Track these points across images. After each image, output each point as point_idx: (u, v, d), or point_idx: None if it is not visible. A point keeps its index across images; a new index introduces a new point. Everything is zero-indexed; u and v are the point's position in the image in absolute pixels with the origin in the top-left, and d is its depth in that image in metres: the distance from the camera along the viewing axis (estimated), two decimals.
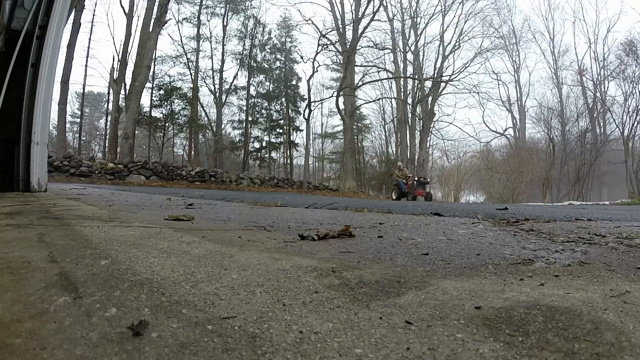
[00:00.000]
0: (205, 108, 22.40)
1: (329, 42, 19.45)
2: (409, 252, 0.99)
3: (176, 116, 18.31)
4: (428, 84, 22.07)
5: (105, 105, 24.90)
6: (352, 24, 19.68)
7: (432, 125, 22.23)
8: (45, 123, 3.44)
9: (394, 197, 12.70)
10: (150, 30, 14.35)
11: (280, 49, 24.08)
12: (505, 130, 28.59)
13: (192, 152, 21.55)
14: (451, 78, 22.69)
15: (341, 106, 18.43)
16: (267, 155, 23.37)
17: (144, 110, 17.79)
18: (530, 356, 0.42)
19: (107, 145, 18.78)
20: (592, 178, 19.62)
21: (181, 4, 21.65)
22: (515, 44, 26.95)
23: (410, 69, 23.49)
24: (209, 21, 22.97)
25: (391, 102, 23.79)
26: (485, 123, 37.76)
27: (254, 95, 22.80)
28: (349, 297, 0.61)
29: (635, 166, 18.85)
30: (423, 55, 23.73)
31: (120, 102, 16.91)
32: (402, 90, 22.70)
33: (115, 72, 18.24)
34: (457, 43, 23.44)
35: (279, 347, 0.44)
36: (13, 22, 3.24)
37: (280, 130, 23.58)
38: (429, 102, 21.94)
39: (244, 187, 13.23)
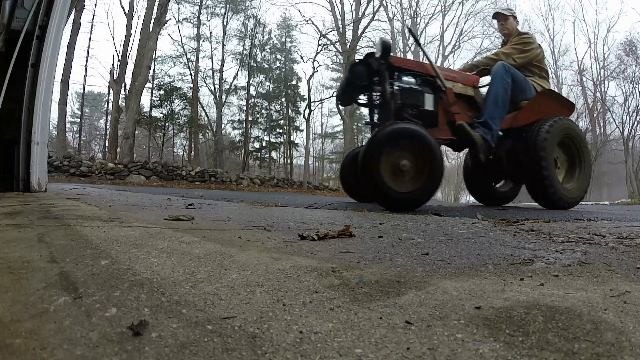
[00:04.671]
0: (205, 108, 22.41)
1: (329, 42, 19.49)
2: (409, 252, 0.99)
3: (176, 116, 18.32)
4: None
5: (105, 105, 24.94)
6: (352, 24, 19.69)
7: None
8: (45, 123, 3.43)
9: None
10: (150, 30, 14.35)
11: (280, 49, 24.09)
12: None
13: (192, 152, 21.56)
14: None
15: (341, 106, 18.37)
16: (267, 155, 23.36)
17: (144, 110, 17.80)
18: (530, 356, 0.42)
19: (107, 145, 18.79)
20: (592, 178, 19.61)
21: (181, 4, 21.66)
22: None
23: None
24: (209, 21, 23.03)
25: None
26: None
27: (254, 95, 22.81)
28: (349, 297, 0.61)
29: (635, 166, 18.85)
30: (423, 55, 23.72)
31: (120, 102, 16.92)
32: None
33: (115, 72, 18.26)
34: (457, 43, 23.46)
35: (279, 347, 0.44)
36: (13, 22, 3.24)
37: (280, 130, 23.57)
38: None
39: (244, 187, 13.23)
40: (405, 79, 2.86)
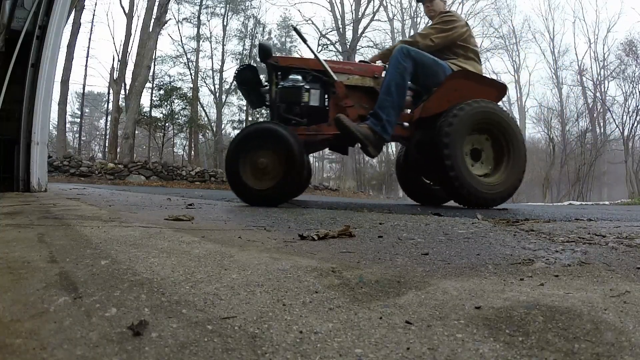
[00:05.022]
0: (205, 108, 22.40)
1: (329, 42, 19.51)
2: (409, 252, 0.99)
3: (176, 116, 18.29)
4: None
5: (105, 105, 24.97)
6: (352, 24, 19.70)
7: None
8: (45, 123, 3.44)
9: None
10: (150, 30, 14.35)
11: (280, 49, 24.09)
12: None
13: (192, 152, 21.55)
14: None
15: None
16: None
17: (144, 110, 17.78)
18: (530, 356, 0.42)
19: (107, 145, 18.81)
20: (592, 178, 19.61)
21: (181, 4, 21.67)
22: (515, 44, 27.04)
23: None
24: (209, 21, 23.04)
25: None
26: None
27: None
28: (349, 297, 0.61)
29: (635, 166, 18.85)
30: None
31: (120, 102, 16.92)
32: None
33: (115, 72, 18.27)
34: None
35: (279, 347, 0.44)
36: (13, 22, 3.25)
37: None
38: None
39: None
40: (293, 77, 2.81)
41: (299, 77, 2.81)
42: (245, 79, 2.99)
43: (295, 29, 3.23)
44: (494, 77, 24.50)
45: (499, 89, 2.97)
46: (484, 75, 3.00)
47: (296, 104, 2.75)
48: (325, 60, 2.84)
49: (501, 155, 2.80)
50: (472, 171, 2.67)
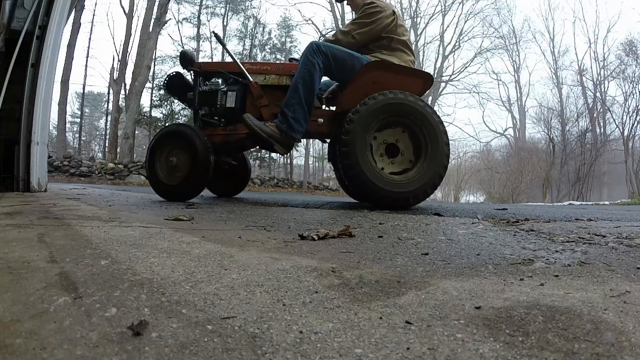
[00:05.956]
0: None
1: None
2: (409, 252, 0.99)
3: (176, 116, 18.28)
4: None
5: (105, 105, 24.98)
6: None
7: None
8: (45, 123, 3.43)
9: None
10: (150, 30, 14.34)
11: (280, 49, 24.10)
12: (505, 130, 28.70)
13: None
14: (451, 78, 22.73)
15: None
16: (267, 155, 23.36)
17: (144, 110, 17.77)
18: (530, 356, 0.42)
19: (107, 145, 18.80)
20: (592, 178, 19.59)
21: (181, 4, 21.68)
22: (515, 44, 27.06)
23: None
24: (209, 21, 23.01)
25: None
26: (485, 123, 37.87)
27: None
28: (349, 297, 0.61)
29: (635, 166, 18.86)
30: (423, 55, 23.76)
31: (120, 102, 16.92)
32: None
33: (115, 72, 18.27)
34: (457, 43, 23.48)
35: (279, 347, 0.44)
36: (13, 22, 3.25)
37: None
38: (429, 102, 21.96)
39: None
40: (214, 81, 2.93)
41: (219, 81, 2.94)
42: (173, 87, 3.14)
43: (215, 34, 3.27)
44: (494, 77, 24.50)
45: (424, 79, 2.77)
46: (406, 65, 2.79)
47: (213, 106, 2.87)
48: (243, 62, 2.88)
49: (419, 151, 2.57)
50: (380, 168, 2.51)
